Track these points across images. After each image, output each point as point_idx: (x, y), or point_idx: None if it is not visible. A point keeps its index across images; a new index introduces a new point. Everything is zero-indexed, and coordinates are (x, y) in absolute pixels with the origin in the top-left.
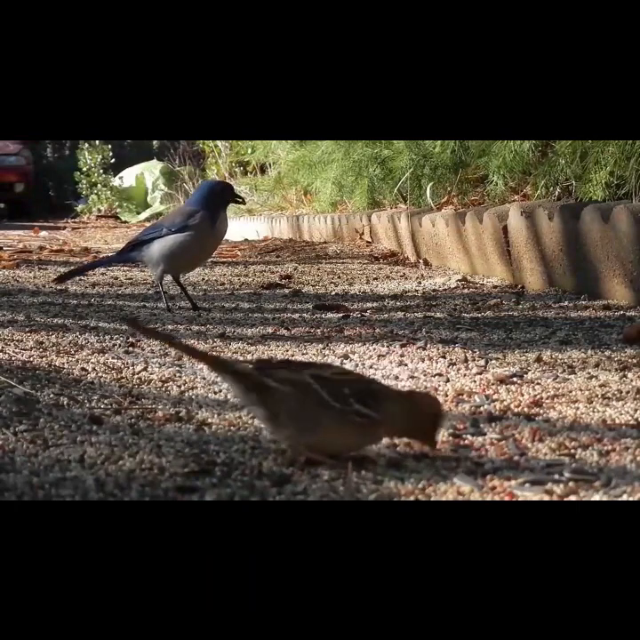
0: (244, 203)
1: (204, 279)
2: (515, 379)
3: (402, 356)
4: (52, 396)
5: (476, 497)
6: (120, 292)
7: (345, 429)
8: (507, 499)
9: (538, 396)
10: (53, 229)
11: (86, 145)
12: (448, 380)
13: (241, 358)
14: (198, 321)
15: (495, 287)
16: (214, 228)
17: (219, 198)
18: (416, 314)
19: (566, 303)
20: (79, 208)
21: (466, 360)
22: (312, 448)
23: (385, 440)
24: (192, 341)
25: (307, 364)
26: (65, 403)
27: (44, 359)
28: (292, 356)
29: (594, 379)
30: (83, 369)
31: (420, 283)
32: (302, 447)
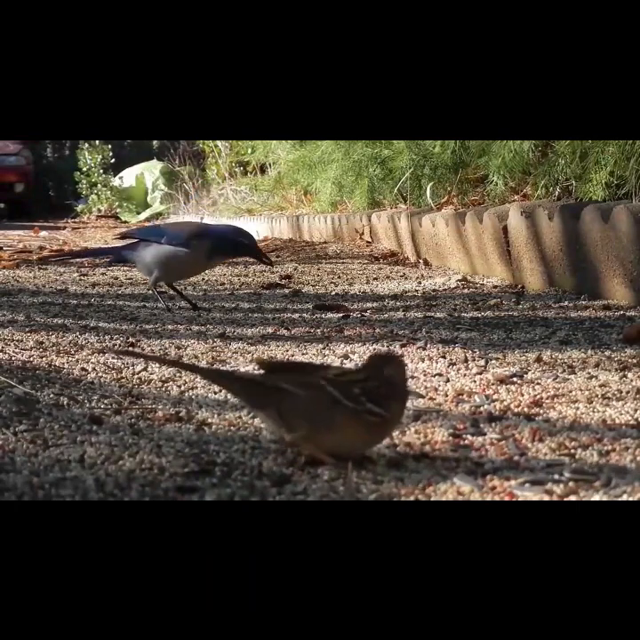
0: (271, 264)
1: (204, 279)
2: (515, 379)
3: (402, 356)
4: (52, 395)
5: (476, 497)
6: (120, 292)
7: (359, 429)
8: (507, 499)
9: (538, 396)
10: (53, 229)
11: (86, 145)
12: (448, 380)
13: (241, 359)
14: (198, 321)
15: (495, 287)
16: (206, 262)
17: (231, 246)
18: (416, 314)
19: (566, 303)
20: (79, 208)
21: (466, 360)
22: (324, 449)
23: (385, 440)
24: (192, 341)
25: (306, 365)
26: (65, 403)
27: (43, 359)
28: (292, 356)
29: (594, 379)
30: (83, 369)
31: (420, 283)
32: (314, 448)
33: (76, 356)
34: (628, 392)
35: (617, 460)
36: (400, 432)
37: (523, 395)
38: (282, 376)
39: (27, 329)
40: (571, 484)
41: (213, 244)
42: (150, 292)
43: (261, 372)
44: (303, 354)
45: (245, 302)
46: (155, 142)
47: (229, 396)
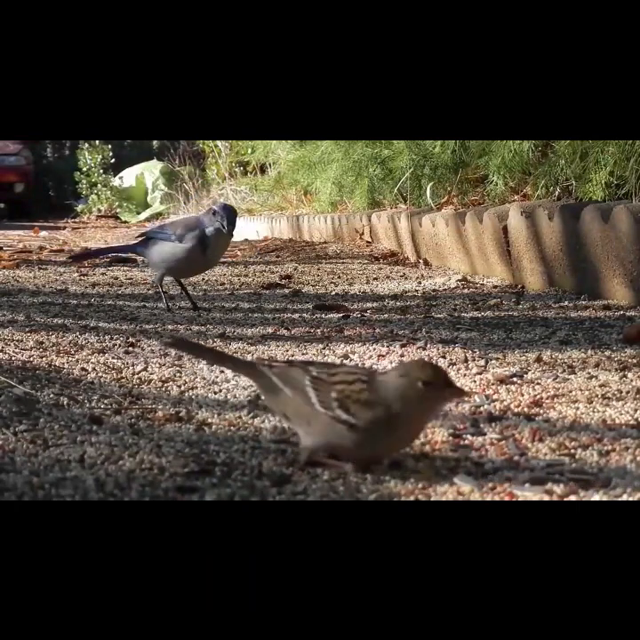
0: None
1: (203, 279)
2: (515, 379)
3: (402, 356)
4: (52, 395)
5: (475, 497)
6: (120, 292)
7: (329, 434)
8: (507, 499)
9: (538, 396)
10: (53, 229)
11: (86, 145)
12: None
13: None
14: (198, 321)
15: (495, 287)
16: (203, 255)
17: (221, 231)
18: (416, 314)
19: (566, 303)
20: (79, 208)
21: (466, 360)
22: (317, 451)
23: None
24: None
25: (321, 364)
26: (65, 403)
27: (43, 359)
28: (292, 356)
29: (594, 379)
30: (83, 369)
31: (420, 283)
32: (314, 451)
33: (76, 356)
34: (628, 392)
35: (617, 460)
36: None
37: (523, 395)
38: (283, 373)
39: (27, 329)
40: (571, 483)
41: (204, 235)
42: (154, 285)
43: (273, 366)
44: (303, 354)
45: (245, 302)
46: (155, 142)
47: (229, 395)
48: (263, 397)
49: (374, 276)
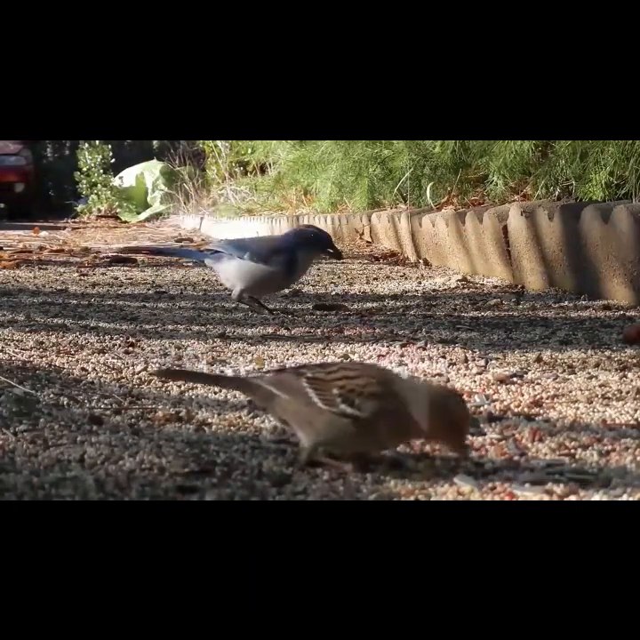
0: (338, 257)
1: (204, 279)
2: (515, 379)
3: (402, 355)
4: (52, 395)
5: (476, 497)
6: (120, 292)
7: (336, 431)
8: (507, 499)
9: (538, 396)
10: (53, 229)
11: (86, 145)
12: (448, 380)
13: (241, 359)
14: (198, 321)
15: (495, 287)
16: (288, 276)
17: (310, 253)
18: (416, 314)
19: (566, 303)
20: (79, 208)
21: (466, 360)
22: (322, 452)
23: (396, 444)
24: (192, 341)
25: (315, 366)
26: (65, 403)
27: (44, 359)
28: (292, 356)
29: (594, 379)
30: (83, 369)
31: (420, 283)
32: (314, 451)
33: (76, 356)
34: (627, 392)
35: (617, 460)
36: None
37: (523, 395)
38: (275, 379)
39: (27, 329)
40: (571, 483)
41: (292, 258)
42: (237, 304)
43: (263, 376)
44: (303, 354)
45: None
46: (155, 142)
47: (229, 395)
48: (261, 407)
49: (374, 276)
